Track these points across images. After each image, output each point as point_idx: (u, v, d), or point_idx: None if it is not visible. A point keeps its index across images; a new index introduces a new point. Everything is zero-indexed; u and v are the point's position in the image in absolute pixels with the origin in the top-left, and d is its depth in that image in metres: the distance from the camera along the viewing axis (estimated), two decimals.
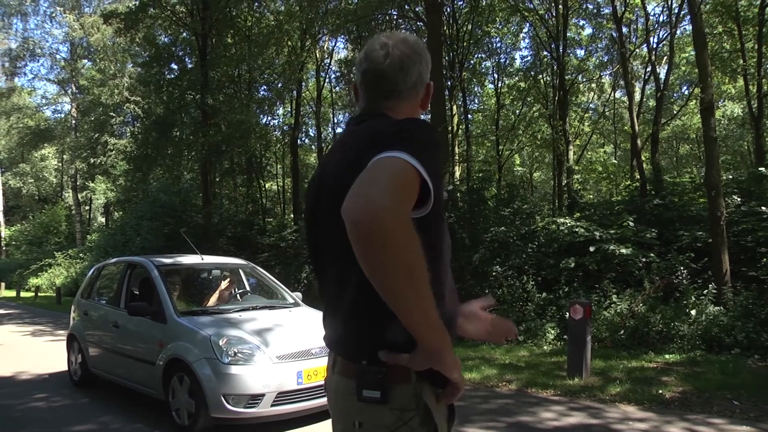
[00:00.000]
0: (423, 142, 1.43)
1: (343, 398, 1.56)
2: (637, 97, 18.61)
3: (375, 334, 1.46)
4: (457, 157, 19.07)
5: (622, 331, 9.08)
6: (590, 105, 25.32)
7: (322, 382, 5.02)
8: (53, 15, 35.26)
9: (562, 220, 11.93)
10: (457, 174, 18.78)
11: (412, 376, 1.47)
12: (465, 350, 9.61)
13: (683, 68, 21.94)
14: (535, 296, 10.76)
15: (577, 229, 11.16)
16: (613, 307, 9.58)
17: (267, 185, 25.87)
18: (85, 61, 35.13)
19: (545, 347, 9.57)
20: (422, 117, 1.80)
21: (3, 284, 30.73)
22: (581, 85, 22.50)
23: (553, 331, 9.99)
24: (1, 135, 39.79)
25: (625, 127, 21.33)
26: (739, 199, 10.65)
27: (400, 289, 1.28)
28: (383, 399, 1.46)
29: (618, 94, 24.53)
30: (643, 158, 15.41)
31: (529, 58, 22.67)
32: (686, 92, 23.28)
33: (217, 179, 23.06)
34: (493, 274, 11.36)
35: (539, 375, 7.41)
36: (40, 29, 36.14)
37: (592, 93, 25.21)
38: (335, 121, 28.23)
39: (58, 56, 36.23)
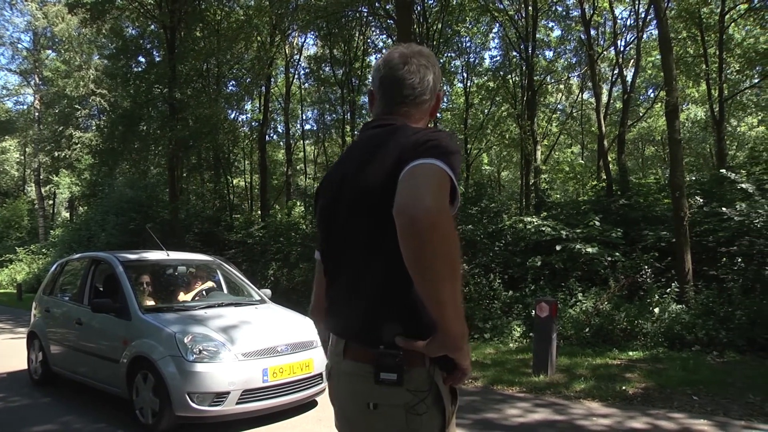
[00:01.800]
0: (448, 149, 1.58)
1: (358, 381, 1.67)
2: (605, 98, 18.90)
3: (394, 323, 1.60)
4: None
5: (587, 329, 9.21)
6: (558, 106, 25.61)
7: (288, 380, 5.02)
8: (14, 2, 34.31)
9: (529, 219, 12.05)
10: None
11: (426, 360, 1.60)
12: None
13: (649, 71, 22.30)
14: (501, 294, 10.86)
15: (543, 228, 11.29)
16: (578, 305, 9.72)
17: (234, 181, 25.67)
18: (49, 51, 34.35)
19: (511, 345, 9.66)
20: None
21: None
22: (550, 86, 22.75)
23: (519, 329, 10.09)
24: None
25: (592, 128, 21.61)
26: (701, 200, 10.88)
27: (443, 280, 1.44)
28: (399, 381, 1.59)
29: (586, 96, 24.85)
30: (609, 159, 15.64)
31: (498, 58, 22.86)
32: (652, 95, 23.69)
33: (185, 174, 22.80)
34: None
35: (505, 372, 7.48)
36: (0, 17, 35.05)
37: (561, 94, 25.49)
38: (304, 117, 28.11)
39: (19, 46, 35.33)
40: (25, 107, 36.99)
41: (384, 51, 22.84)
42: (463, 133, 21.71)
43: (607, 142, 16.07)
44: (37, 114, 34.84)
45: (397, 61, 1.84)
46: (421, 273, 1.46)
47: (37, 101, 35.03)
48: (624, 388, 6.39)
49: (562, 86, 24.42)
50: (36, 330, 7.30)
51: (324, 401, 6.05)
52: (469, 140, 21.90)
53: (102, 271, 6.58)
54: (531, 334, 9.05)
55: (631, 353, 8.36)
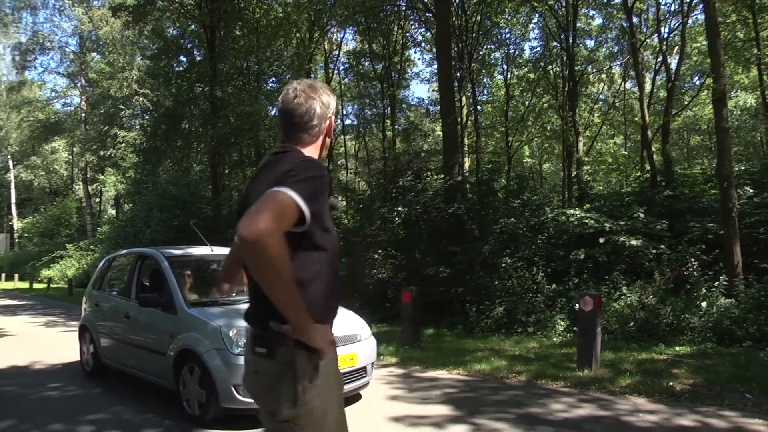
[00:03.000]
0: (303, 176, 1.95)
1: (248, 352, 2.17)
2: (648, 87, 18.47)
3: (269, 311, 1.95)
4: (466, 149, 19.01)
5: (632, 323, 9.05)
6: (600, 96, 25.19)
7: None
8: (62, 8, 35.37)
9: (571, 211, 11.89)
10: (467, 165, 18.71)
11: (290, 342, 1.99)
12: (474, 342, 9.63)
13: (695, 58, 21.76)
14: (544, 288, 10.73)
15: (586, 221, 11.13)
16: (623, 298, 9.55)
17: None
18: (94, 54, 35.21)
19: (555, 339, 9.56)
20: (327, 145, 2.37)
21: (17, 276, 30.99)
22: (591, 76, 22.38)
23: (562, 323, 9.97)
24: (13, 128, 39.98)
25: (636, 118, 21.17)
26: (751, 191, 10.58)
27: (272, 286, 1.83)
28: (269, 355, 2.04)
29: (628, 85, 24.37)
30: (653, 149, 15.31)
31: (538, 48, 22.58)
32: (698, 82, 23.10)
33: (227, 171, 23.07)
34: (503, 265, 11.33)
35: (549, 366, 7.39)
36: (50, 23, 36.27)
37: (602, 84, 25.07)
38: (344, 112, 28.18)
39: (67, 49, 36.36)
40: (72, 108, 38.08)
41: (423, 45, 22.96)
42: (504, 126, 21.53)
43: (651, 132, 15.74)
44: (83, 115, 35.77)
45: (290, 96, 2.23)
46: (257, 279, 1.89)
47: (83, 102, 35.97)
48: (671, 384, 6.24)
49: (603, 76, 24.01)
50: (86, 323, 7.49)
51: (368, 395, 6.08)
52: (510, 132, 21.69)
53: (148, 267, 6.70)
54: (575, 328, 8.93)
55: (677, 348, 8.19)
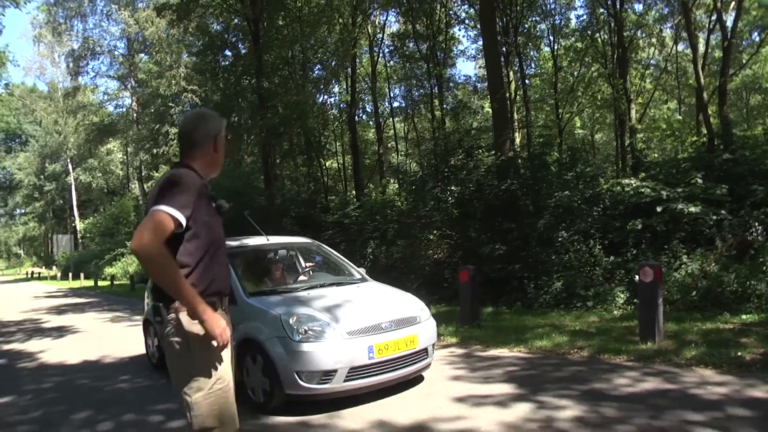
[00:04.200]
0: (177, 191, 2.59)
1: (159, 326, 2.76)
2: (702, 48, 17.77)
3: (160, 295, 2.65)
4: (516, 124, 18.73)
5: (694, 293, 8.80)
6: (651, 61, 24.39)
7: (394, 356, 5.10)
8: (110, 13, 36.31)
9: (627, 181, 11.59)
10: (518, 140, 18.44)
11: (181, 313, 2.62)
12: (534, 318, 9.54)
13: (754, 13, 20.71)
14: (602, 260, 10.54)
15: (642, 190, 10.83)
16: (683, 268, 9.29)
17: (327, 163, 26.00)
18: (142, 55, 36.04)
19: (615, 312, 9.37)
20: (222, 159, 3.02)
21: (82, 275, 32.17)
22: (641, 41, 21.66)
23: (622, 296, 9.76)
24: (70, 133, 41.33)
25: (690, 81, 20.41)
26: None
27: (164, 284, 2.56)
28: (162, 323, 2.70)
29: (680, 47, 23.53)
30: (709, 112, 14.77)
31: (584, 17, 21.91)
32: (757, 39, 22.10)
33: (278, 161, 23.33)
34: (559, 239, 11.17)
35: (611, 341, 7.26)
36: (99, 28, 37.24)
37: (653, 48, 24.26)
38: (391, 95, 28.06)
39: (116, 53, 37.39)
40: (124, 110, 39.13)
41: (467, 21, 22.62)
42: (554, 98, 21.09)
43: (706, 94, 15.16)
44: (135, 115, 36.71)
45: (184, 122, 3.03)
46: (154, 281, 2.65)
47: (134, 103, 36.90)
48: (740, 354, 6.03)
49: (654, 40, 23.21)
50: (150, 318, 7.69)
51: (430, 376, 6.10)
52: (560, 104, 21.24)
53: None
54: (635, 300, 8.74)
55: (744, 317, 7.92)
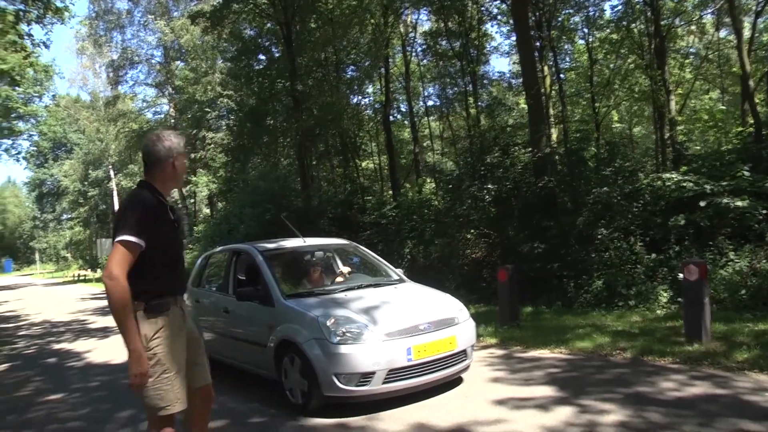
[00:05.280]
0: (131, 217, 3.02)
1: None
2: (747, 33, 17.17)
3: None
4: (552, 120, 18.46)
5: (743, 291, 8.51)
6: (691, 50, 23.74)
7: (432, 358, 5.06)
8: (146, 23, 36.97)
9: (668, 175, 11.29)
10: (554, 136, 18.17)
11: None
12: (574, 318, 9.35)
13: None
14: (643, 258, 10.28)
15: (684, 184, 10.53)
16: (730, 265, 9.00)
17: (363, 164, 26.00)
18: (178, 62, 36.53)
19: (658, 311, 9.12)
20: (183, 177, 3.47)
21: None
22: (680, 29, 21.09)
23: (665, 294, 9.50)
24: (111, 140, 42.18)
25: (734, 69, 19.79)
26: None
27: (115, 310, 2.95)
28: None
29: (723, 34, 22.80)
30: (756, 100, 14.26)
31: (620, 7, 21.39)
32: None
33: (314, 162, 23.41)
34: (599, 237, 10.95)
35: (655, 341, 7.02)
36: (136, 38, 37.99)
37: (693, 36, 23.60)
38: (425, 94, 27.93)
39: (153, 61, 37.96)
40: (162, 116, 39.67)
41: (499, 17, 22.38)
42: (590, 92, 20.71)
43: (753, 81, 14.65)
44: (172, 121, 37.26)
45: (144, 142, 3.34)
46: (109, 305, 2.98)
47: (171, 109, 37.48)
48: None
49: (693, 27, 22.56)
50: None
51: (469, 378, 6.02)
52: (597, 98, 20.84)
53: (243, 262, 6.85)
54: (679, 299, 8.51)
55: None
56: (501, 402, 5.23)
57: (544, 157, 12.67)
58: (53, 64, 30.09)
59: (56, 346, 11.10)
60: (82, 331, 13.05)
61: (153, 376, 3.06)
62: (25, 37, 17.86)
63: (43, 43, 19.22)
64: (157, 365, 3.08)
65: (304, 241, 7.06)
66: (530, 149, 13.13)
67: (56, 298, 25.72)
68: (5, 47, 21.54)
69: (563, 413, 4.83)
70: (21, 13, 16.26)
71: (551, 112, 19.16)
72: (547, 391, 5.50)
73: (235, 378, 6.77)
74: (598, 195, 11.44)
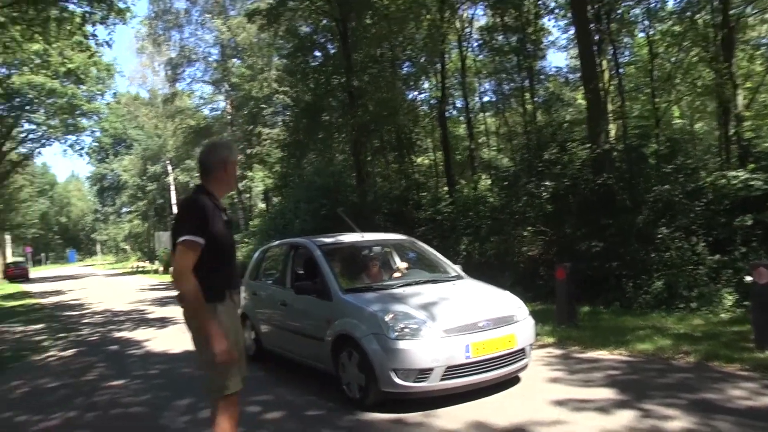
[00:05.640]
0: (190, 219, 3.39)
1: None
2: None
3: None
4: (610, 115, 18.00)
5: None
6: (763, 40, 22.73)
7: (491, 356, 4.99)
8: (203, 22, 37.71)
9: (733, 173, 10.86)
10: (612, 132, 17.72)
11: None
12: (634, 319, 9.11)
13: None
14: (706, 259, 9.94)
15: (752, 182, 10.11)
16: None
17: (418, 160, 25.91)
18: (235, 59, 37.10)
19: (723, 315, 8.79)
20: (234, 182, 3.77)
21: None
22: (750, 19, 20.22)
23: (730, 297, 9.16)
24: (169, 136, 43.26)
25: None
26: None
27: (185, 294, 3.29)
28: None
29: None
30: None
31: None
32: None
33: (369, 158, 23.41)
34: (659, 236, 10.63)
35: (720, 346, 6.73)
36: (194, 37, 38.73)
37: (766, 25, 22.57)
38: (481, 89, 27.63)
39: (210, 59, 38.70)
40: (219, 113, 40.43)
41: (557, 11, 21.96)
42: (650, 87, 20.10)
43: None
44: (229, 117, 37.92)
45: (201, 150, 3.73)
46: (183, 298, 3.36)
47: (228, 106, 38.12)
48: None
49: (767, 16, 21.58)
50: (247, 311, 7.87)
51: (527, 377, 5.93)
52: (657, 93, 20.22)
53: (301, 256, 6.92)
54: (745, 303, 8.19)
55: None
56: (560, 403, 5.14)
57: (602, 154, 12.38)
58: (115, 63, 31.04)
59: (117, 334, 11.51)
60: (141, 320, 13.46)
61: (212, 361, 3.32)
62: (90, 38, 18.40)
63: (106, 42, 19.81)
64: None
65: (362, 236, 7.07)
66: (588, 145, 12.86)
67: (116, 288, 26.60)
68: (72, 48, 22.33)
69: (625, 417, 4.70)
70: (87, 15, 16.80)
71: (609, 107, 18.65)
72: (607, 393, 5.38)
73: (292, 371, 6.86)
74: (658, 193, 11.11)
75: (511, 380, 5.70)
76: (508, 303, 5.78)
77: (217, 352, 3.25)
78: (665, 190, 11.05)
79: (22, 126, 36.88)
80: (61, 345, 10.69)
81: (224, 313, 3.42)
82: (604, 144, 12.78)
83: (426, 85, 25.51)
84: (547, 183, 12.81)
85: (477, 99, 27.24)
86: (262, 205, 40.21)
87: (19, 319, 15.47)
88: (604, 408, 4.95)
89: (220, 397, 3.42)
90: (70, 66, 27.90)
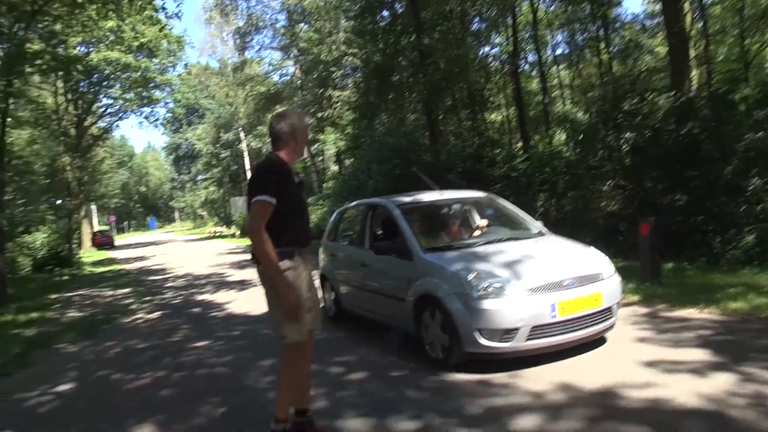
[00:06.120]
0: (263, 180, 3.64)
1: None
2: None
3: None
4: (692, 61, 17.03)
5: None
6: None
7: (577, 315, 4.82)
8: None
9: None
10: (695, 79, 16.76)
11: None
12: (723, 276, 8.64)
13: None
14: None
15: None
16: None
17: (491, 117, 25.42)
18: (302, 24, 37.11)
19: None
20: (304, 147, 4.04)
21: None
22: None
23: None
24: (240, 103, 43.96)
25: None
26: None
27: (261, 255, 3.54)
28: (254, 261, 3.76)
29: None
30: None
31: None
32: None
33: (441, 117, 23.12)
34: (750, 188, 10.04)
35: None
36: (261, 4, 38.92)
37: None
38: (554, 42, 26.70)
39: (277, 25, 38.88)
40: (288, 78, 40.74)
41: None
42: (738, 27, 18.82)
43: None
44: (299, 82, 38.14)
45: (271, 120, 3.89)
46: (257, 253, 3.61)
47: (297, 71, 38.32)
48: None
49: None
50: (325, 273, 7.97)
51: (614, 337, 5.73)
52: (747, 34, 18.89)
53: (379, 216, 6.85)
54: None
55: None
56: (650, 364, 4.90)
57: (686, 102, 11.73)
58: (184, 35, 31.68)
59: (199, 297, 11.92)
60: (221, 283, 13.88)
61: (280, 309, 3.61)
62: (159, 11, 18.73)
63: (176, 14, 20.30)
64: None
65: (441, 194, 6.95)
66: (671, 93, 12.21)
67: (196, 252, 27.56)
68: (143, 22, 22.84)
69: (723, 381, 4.41)
70: None
71: (692, 53, 17.61)
72: (700, 354, 5.08)
73: (372, 331, 6.88)
74: (750, 142, 10.45)
75: (598, 340, 5.50)
76: (594, 260, 5.57)
77: (287, 303, 3.51)
78: (758, 138, 10.37)
79: (101, 101, 38.53)
80: (147, 308, 11.16)
81: (294, 269, 3.65)
82: (688, 91, 12.10)
83: (497, 40, 24.82)
84: (626, 135, 12.29)
85: (549, 52, 26.36)
86: (335, 168, 40.53)
87: (108, 284, 16.28)
88: (698, 370, 4.67)
89: (287, 345, 3.71)
90: (142, 40, 28.67)
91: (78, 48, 28.41)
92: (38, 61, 15.59)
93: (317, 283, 8.32)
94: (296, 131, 3.78)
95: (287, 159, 3.80)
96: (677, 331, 5.93)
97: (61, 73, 23.19)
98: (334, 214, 8.65)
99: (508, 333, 4.84)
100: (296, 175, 3.86)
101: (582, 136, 14.56)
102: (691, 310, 6.79)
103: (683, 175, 11.05)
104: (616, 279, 5.55)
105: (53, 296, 14.67)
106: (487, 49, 24.38)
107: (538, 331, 4.88)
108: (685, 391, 4.25)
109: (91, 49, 30.25)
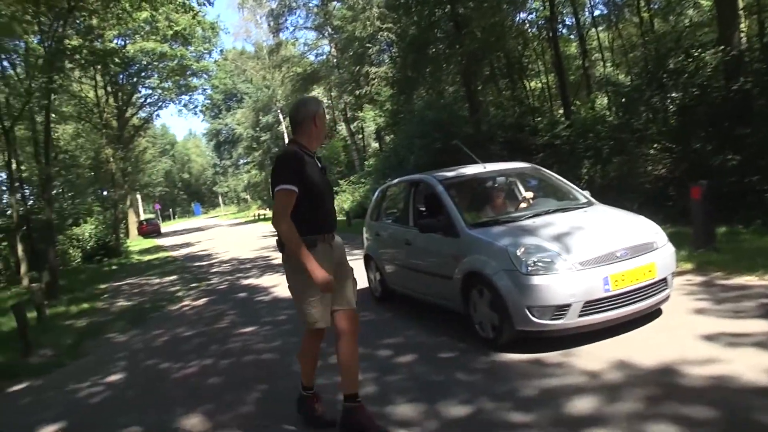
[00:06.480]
0: (284, 169, 3.64)
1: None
2: None
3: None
4: (742, 11, 16.20)
5: None
6: None
7: (631, 288, 4.60)
8: None
9: None
10: (745, 31, 15.99)
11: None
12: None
13: None
14: None
15: None
16: None
17: (531, 84, 24.93)
18: (335, 2, 36.90)
19: None
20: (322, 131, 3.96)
21: None
22: None
23: None
24: (277, 86, 44.19)
25: None
26: None
27: (288, 241, 3.65)
28: (281, 249, 3.86)
29: None
30: None
31: None
32: None
33: (480, 87, 22.79)
34: None
35: None
36: None
37: None
38: (592, 3, 25.88)
39: (311, 5, 38.76)
40: (324, 57, 40.72)
41: None
42: None
43: None
44: (335, 60, 38.07)
45: (291, 108, 3.98)
46: (283, 240, 3.72)
47: (333, 49, 38.24)
48: None
49: None
50: (370, 253, 7.90)
51: (669, 309, 5.50)
52: None
53: (421, 192, 6.72)
54: None
55: None
56: (710, 338, 4.63)
57: (736, 56, 11.21)
58: (218, 21, 31.90)
59: (245, 282, 12.02)
60: (266, 267, 13.99)
61: (305, 300, 3.75)
62: None
63: (207, 1, 20.29)
64: (307, 288, 3.69)
65: (485, 167, 6.77)
66: (719, 48, 11.68)
67: (240, 236, 27.90)
68: (176, 11, 23.00)
69: None
70: None
71: (740, 3, 16.77)
72: (764, 325, 4.77)
73: (420, 311, 6.80)
74: None
75: (653, 313, 5.27)
76: (646, 229, 5.34)
77: (317, 280, 3.55)
78: None
79: (140, 92, 39.33)
80: (193, 295, 11.34)
81: (319, 254, 3.68)
82: (738, 44, 11.55)
83: (533, 5, 24.19)
84: (672, 95, 11.83)
85: (587, 14, 25.56)
86: (375, 145, 40.45)
87: (155, 272, 16.64)
88: (764, 343, 4.37)
89: (309, 329, 3.89)
90: (176, 29, 28.91)
91: (115, 41, 28.87)
92: (77, 56, 15.84)
93: (361, 263, 8.34)
94: (315, 117, 3.83)
95: (308, 145, 3.84)
96: (736, 301, 5.62)
97: (99, 66, 23.58)
98: (376, 193, 8.55)
99: (560, 309, 4.67)
100: (318, 160, 3.89)
101: (625, 99, 14.14)
102: (750, 277, 6.44)
103: (734, 134, 10.63)
104: (670, 248, 5.32)
105: (102, 286, 15.07)
106: (523, 15, 23.76)
107: (590, 306, 4.70)
108: (752, 366, 3.97)
109: (127, 41, 30.70)
